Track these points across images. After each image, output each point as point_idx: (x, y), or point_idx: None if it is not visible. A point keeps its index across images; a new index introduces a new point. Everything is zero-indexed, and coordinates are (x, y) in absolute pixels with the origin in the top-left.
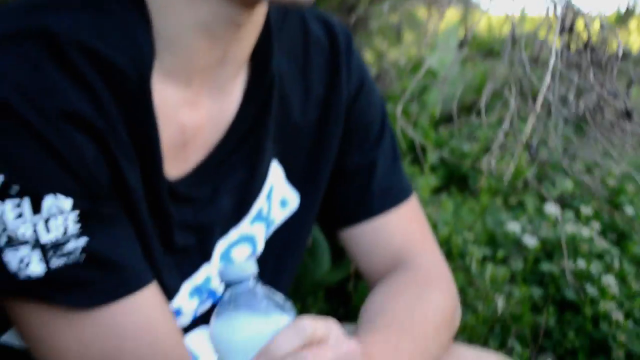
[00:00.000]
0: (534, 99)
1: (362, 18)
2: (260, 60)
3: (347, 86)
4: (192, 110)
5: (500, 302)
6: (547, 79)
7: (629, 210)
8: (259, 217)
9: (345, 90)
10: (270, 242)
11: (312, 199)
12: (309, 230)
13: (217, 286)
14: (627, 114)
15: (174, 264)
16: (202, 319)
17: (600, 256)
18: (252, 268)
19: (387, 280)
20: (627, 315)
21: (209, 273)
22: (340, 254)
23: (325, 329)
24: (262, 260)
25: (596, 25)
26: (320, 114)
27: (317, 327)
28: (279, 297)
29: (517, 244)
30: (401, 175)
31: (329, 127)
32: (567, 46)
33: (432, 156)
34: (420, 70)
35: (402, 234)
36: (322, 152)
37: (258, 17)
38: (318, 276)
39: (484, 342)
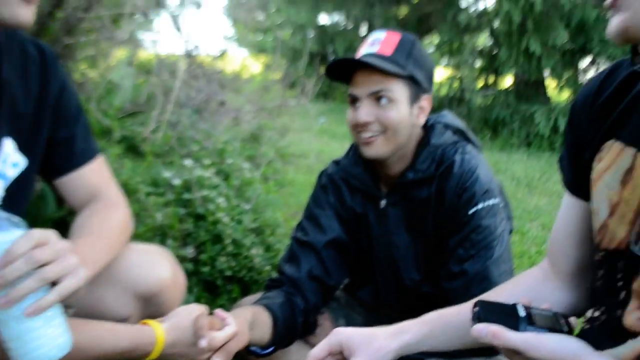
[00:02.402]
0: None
1: (72, 49)
2: None
3: (54, 86)
4: None
5: (159, 218)
6: (177, 83)
7: (230, 160)
8: None
9: (52, 89)
10: (8, 190)
11: (34, 160)
12: (34, 181)
13: None
14: (222, 104)
15: None
16: None
17: (215, 187)
18: None
19: (86, 208)
20: (232, 219)
21: None
22: (61, 200)
23: (47, 235)
24: (3, 202)
25: (207, 54)
26: (37, 105)
27: (41, 234)
28: (16, 218)
29: (169, 184)
30: (92, 142)
31: (42, 114)
32: (189, 65)
33: (117, 134)
34: (106, 82)
35: (94, 179)
36: (39, 129)
37: None
38: (48, 214)
39: (151, 243)
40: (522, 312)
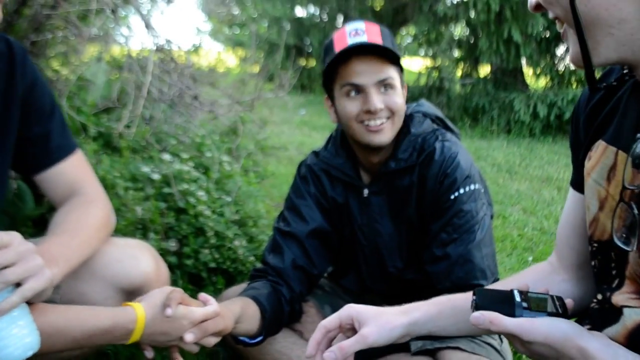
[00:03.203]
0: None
1: (41, 47)
2: None
3: (22, 82)
4: None
5: (139, 212)
6: (149, 78)
7: (209, 154)
8: None
9: (20, 85)
10: None
11: (4, 159)
12: (7, 179)
13: None
14: (196, 98)
15: None
16: None
17: (195, 180)
18: None
19: (65, 204)
20: (213, 212)
21: None
22: (40, 197)
23: (10, 237)
24: None
25: (179, 48)
26: (3, 103)
27: (3, 237)
28: None
29: (148, 178)
30: (69, 137)
31: (9, 111)
32: (161, 60)
33: (92, 131)
34: (79, 79)
35: (73, 174)
36: (8, 127)
37: None
38: (26, 212)
39: (133, 237)
40: (518, 298)
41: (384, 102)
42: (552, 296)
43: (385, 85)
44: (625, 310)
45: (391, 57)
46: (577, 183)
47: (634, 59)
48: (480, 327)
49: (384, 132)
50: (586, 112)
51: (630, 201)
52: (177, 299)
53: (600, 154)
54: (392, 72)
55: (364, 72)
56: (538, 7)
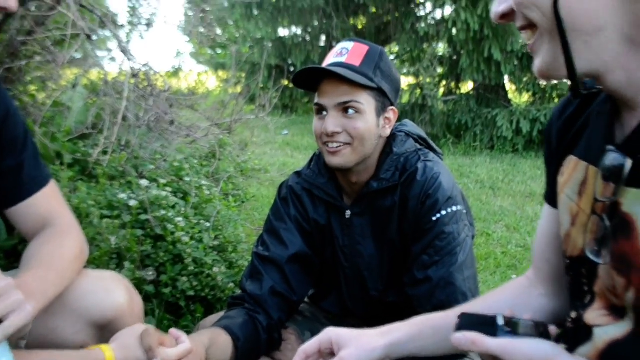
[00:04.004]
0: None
1: (18, 73)
2: None
3: None
4: None
5: (113, 241)
6: (124, 103)
7: (187, 179)
8: None
9: None
10: None
11: None
12: None
13: None
14: (172, 123)
15: None
16: None
17: (173, 207)
18: None
19: (38, 237)
20: (192, 238)
21: None
22: (12, 228)
23: None
24: None
25: (154, 73)
26: None
27: None
28: None
29: (126, 205)
30: (42, 168)
31: None
32: (137, 85)
33: (68, 158)
34: (54, 105)
35: (46, 206)
36: None
37: None
38: None
39: (107, 267)
40: (500, 322)
41: (343, 126)
42: (535, 322)
43: (347, 108)
44: (595, 330)
45: (363, 82)
46: (550, 197)
47: (604, 70)
48: (462, 348)
49: (341, 155)
50: (559, 125)
51: (602, 213)
52: (155, 343)
53: (572, 169)
54: (359, 96)
55: (328, 94)
56: (504, 16)
